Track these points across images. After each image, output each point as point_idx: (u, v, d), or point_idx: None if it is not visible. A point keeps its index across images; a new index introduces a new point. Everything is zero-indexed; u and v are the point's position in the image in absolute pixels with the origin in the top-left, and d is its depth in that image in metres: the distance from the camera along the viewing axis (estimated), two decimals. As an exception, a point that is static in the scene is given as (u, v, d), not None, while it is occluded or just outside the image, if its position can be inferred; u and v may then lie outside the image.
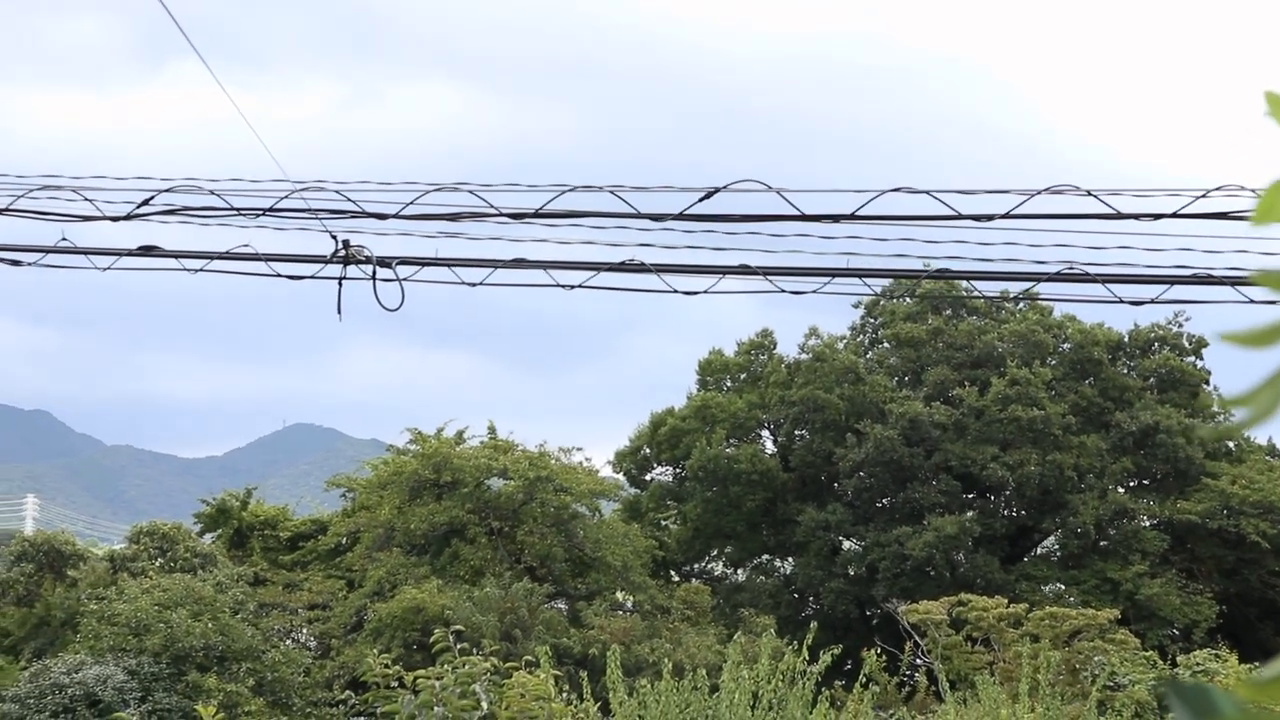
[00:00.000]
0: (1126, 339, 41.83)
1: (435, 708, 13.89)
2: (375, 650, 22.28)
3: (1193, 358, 41.98)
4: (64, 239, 7.28)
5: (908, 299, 41.93)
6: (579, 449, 35.06)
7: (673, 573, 41.87)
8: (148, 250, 7.27)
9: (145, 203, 7.02)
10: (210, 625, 26.18)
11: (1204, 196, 6.19)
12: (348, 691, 24.24)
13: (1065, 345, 41.52)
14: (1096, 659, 27.28)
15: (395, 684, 14.62)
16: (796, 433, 42.30)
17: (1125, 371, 41.68)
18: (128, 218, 7.00)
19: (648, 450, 43.74)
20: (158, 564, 30.90)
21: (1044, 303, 38.33)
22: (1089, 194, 6.22)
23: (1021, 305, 41.03)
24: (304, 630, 32.54)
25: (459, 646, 14.55)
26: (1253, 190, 6.09)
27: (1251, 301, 6.71)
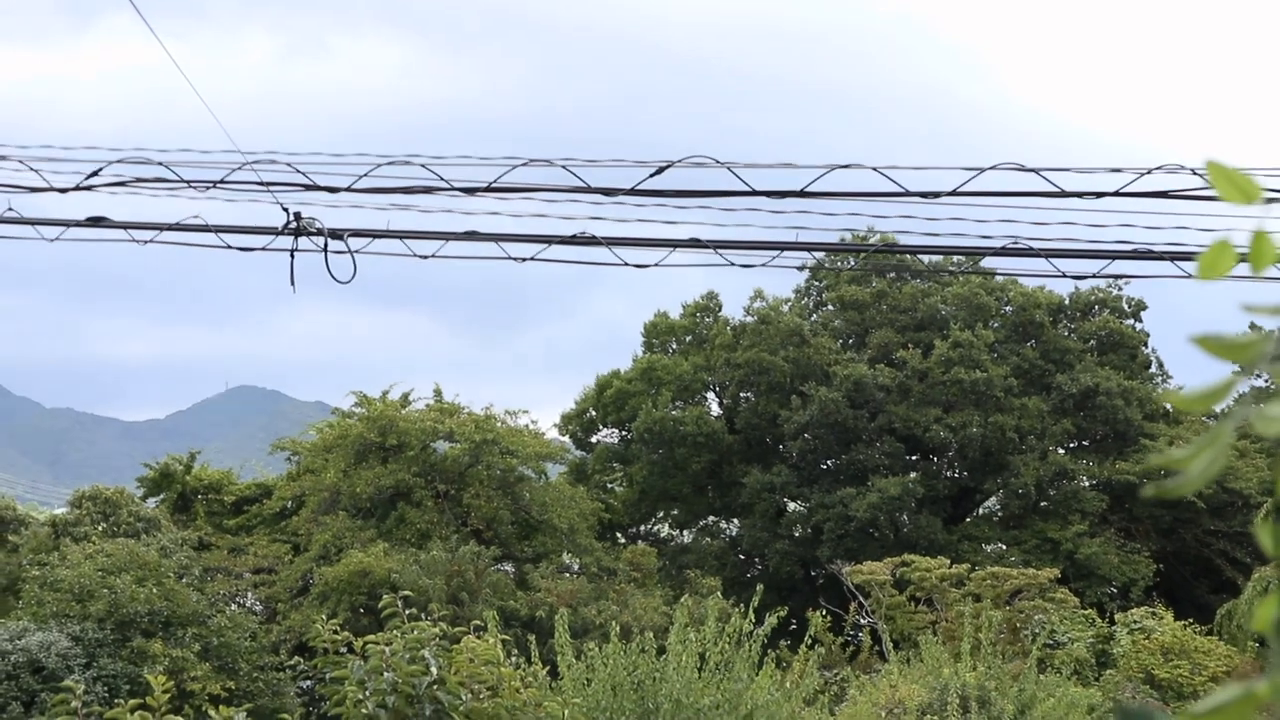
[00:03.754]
0: (1067, 302, 42.30)
1: (384, 673, 13.97)
2: (323, 615, 22.27)
3: (1132, 320, 42.55)
4: (10, 209, 7.23)
5: (852, 262, 42.18)
6: (525, 412, 35.09)
7: (619, 535, 42.06)
8: (96, 221, 7.24)
9: (94, 174, 6.99)
10: (155, 590, 26.04)
11: (1145, 174, 6.32)
12: (296, 657, 24.21)
13: (1007, 308, 41.95)
14: (1037, 618, 27.75)
15: (343, 649, 14.70)
16: (742, 395, 42.52)
17: (1066, 334, 42.17)
18: (76, 189, 6.97)
19: (593, 413, 43.83)
20: (100, 529, 30.67)
21: (991, 271, 38.71)
22: (1034, 172, 6.33)
23: (964, 268, 41.38)
24: (249, 595, 32.44)
25: (407, 612, 14.65)
26: (1191, 169, 6.23)
27: (1189, 276, 6.86)
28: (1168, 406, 42.01)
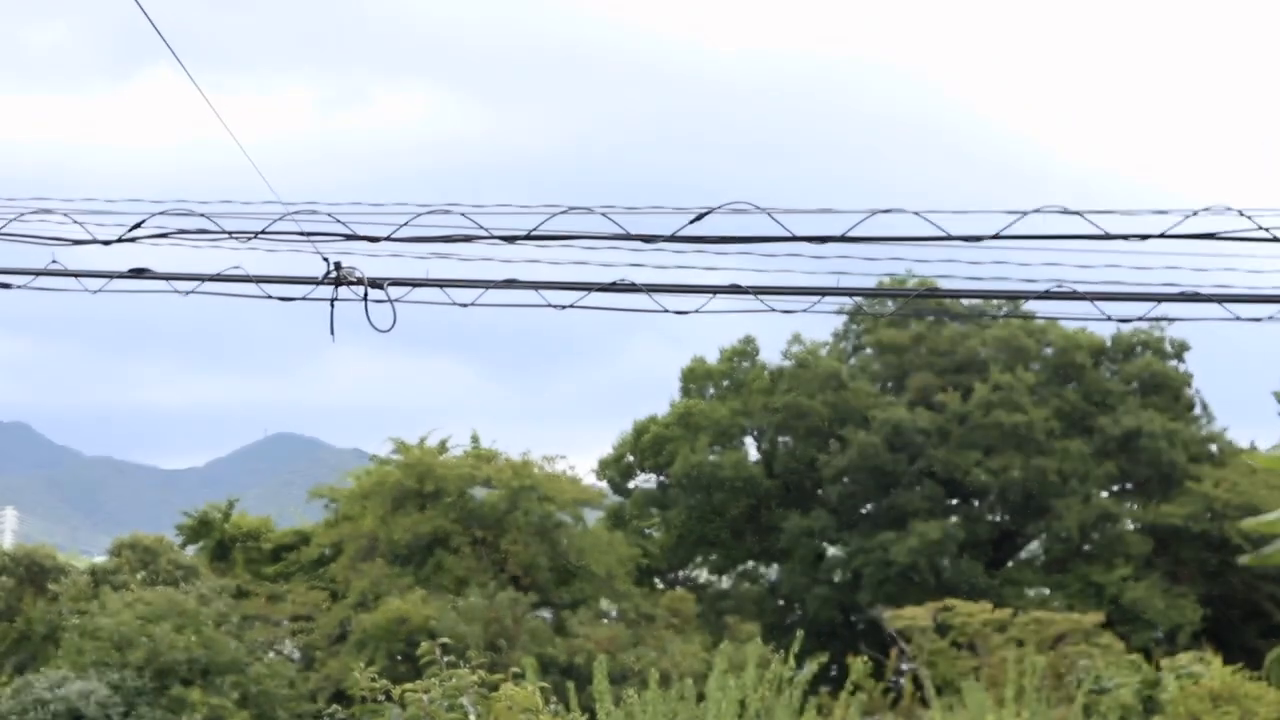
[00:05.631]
0: (1109, 344, 42.01)
1: (423, 721, 13.75)
2: (361, 663, 22.21)
3: (1175, 361, 42.20)
4: (54, 261, 7.27)
5: (890, 304, 42.09)
6: (562, 457, 35.03)
7: (657, 580, 41.87)
8: (139, 273, 7.27)
9: (136, 226, 7.02)
10: (193, 638, 26.11)
11: (1191, 216, 6.25)
12: (334, 706, 24.14)
13: (1048, 350, 41.71)
14: (1082, 663, 27.39)
15: (382, 697, 14.57)
16: (780, 439, 42.38)
17: (1108, 376, 41.85)
18: (119, 241, 7.00)
19: (631, 458, 43.75)
20: (140, 577, 30.76)
21: (1031, 314, 38.50)
22: (1078, 214, 6.28)
23: (1004, 311, 41.19)
24: (287, 642, 32.44)
25: (445, 659, 14.54)
26: (1240, 211, 6.16)
27: (1238, 319, 6.77)
28: (1213, 449, 41.57)
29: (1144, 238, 6.44)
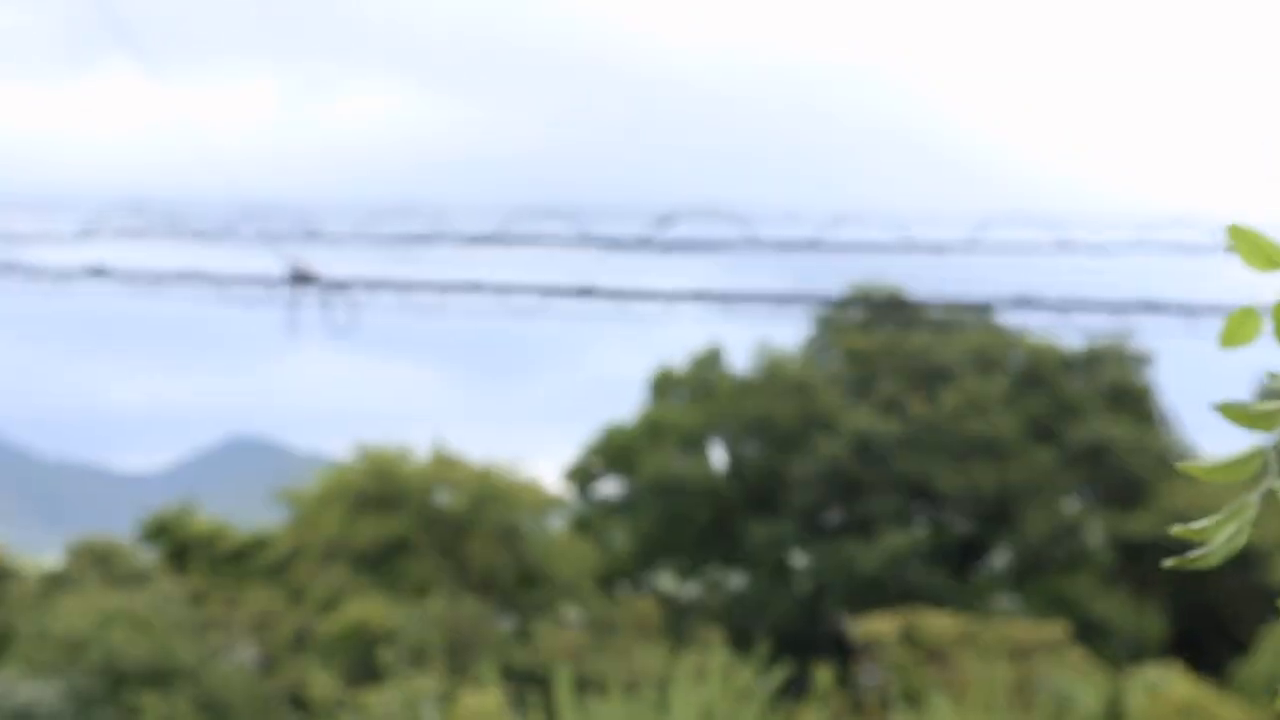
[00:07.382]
0: (1077, 353, 42.07)
1: (381, 731, 13.49)
2: (320, 668, 21.98)
3: (1142, 371, 42.32)
4: (8, 260, 7.01)
5: (859, 313, 42.02)
6: (526, 462, 34.86)
7: (621, 587, 41.67)
8: (97, 273, 7.01)
9: (93, 223, 6.76)
10: (149, 642, 25.74)
11: (1158, 229, 6.10)
12: (292, 711, 23.79)
13: (1016, 359, 41.75)
14: (1047, 674, 27.34)
15: (340, 703, 14.29)
16: (746, 447, 42.27)
17: (1076, 385, 41.93)
18: (76, 237, 6.75)
19: (596, 463, 43.55)
20: (96, 580, 30.36)
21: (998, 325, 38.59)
22: (1045, 225, 6.12)
23: (971, 319, 41.19)
24: (245, 647, 32.08)
25: (405, 666, 14.26)
26: (1206, 224, 6.00)
27: (1199, 332, 6.62)
28: (1180, 460, 41.68)
29: (1112, 249, 6.29)
